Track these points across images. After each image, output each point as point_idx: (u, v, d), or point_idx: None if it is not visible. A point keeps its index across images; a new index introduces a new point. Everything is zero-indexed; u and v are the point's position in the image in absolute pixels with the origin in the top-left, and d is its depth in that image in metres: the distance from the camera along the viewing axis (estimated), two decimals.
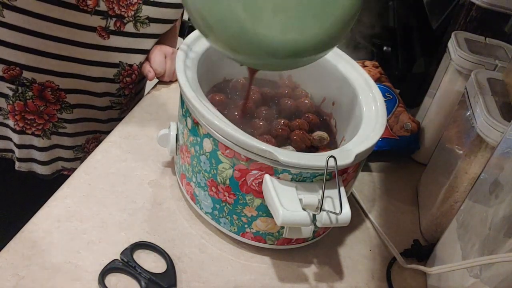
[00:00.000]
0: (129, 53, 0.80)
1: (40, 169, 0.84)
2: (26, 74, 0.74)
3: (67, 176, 0.65)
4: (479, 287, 0.49)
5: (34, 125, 0.79)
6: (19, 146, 0.81)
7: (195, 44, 0.64)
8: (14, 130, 0.79)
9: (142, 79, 0.89)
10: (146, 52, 0.82)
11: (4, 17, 0.68)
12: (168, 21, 0.81)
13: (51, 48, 0.72)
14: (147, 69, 0.83)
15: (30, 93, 0.76)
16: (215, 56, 0.66)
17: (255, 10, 0.46)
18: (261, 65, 0.57)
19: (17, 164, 0.83)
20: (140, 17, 0.76)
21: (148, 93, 0.84)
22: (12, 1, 0.67)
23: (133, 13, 0.75)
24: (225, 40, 0.50)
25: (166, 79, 0.85)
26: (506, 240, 0.45)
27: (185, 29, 1.00)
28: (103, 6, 0.72)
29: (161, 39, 0.84)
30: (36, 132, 0.80)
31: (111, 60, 0.78)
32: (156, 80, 0.87)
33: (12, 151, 0.82)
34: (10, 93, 0.75)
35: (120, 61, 0.79)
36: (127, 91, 0.85)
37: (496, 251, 0.46)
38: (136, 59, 0.81)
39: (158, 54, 0.83)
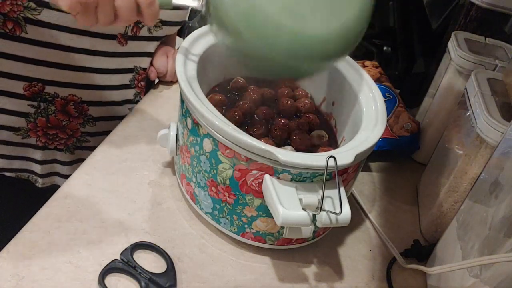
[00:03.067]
0: (142, 57, 0.80)
1: (63, 182, 0.83)
2: (49, 89, 0.73)
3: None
4: (479, 287, 0.49)
5: (57, 139, 0.79)
6: (42, 162, 0.80)
7: (195, 44, 0.64)
8: (36, 147, 0.78)
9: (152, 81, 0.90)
10: None
11: (27, 33, 0.67)
12: (178, 23, 0.81)
13: (74, 60, 0.72)
14: (150, 68, 0.83)
15: (53, 108, 0.75)
16: (215, 56, 0.66)
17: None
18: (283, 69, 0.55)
19: (40, 181, 0.82)
20: None
21: (148, 93, 0.84)
22: (36, 15, 0.66)
23: None
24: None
25: (168, 79, 0.85)
26: (506, 240, 0.45)
27: (185, 29, 1.00)
28: None
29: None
30: (58, 147, 0.80)
31: (127, 65, 0.78)
32: (156, 80, 0.87)
33: (29, 171, 0.81)
34: (32, 110, 0.74)
35: (134, 66, 0.79)
36: (142, 95, 0.85)
37: (496, 251, 0.46)
38: (148, 62, 0.81)
39: (160, 54, 0.83)
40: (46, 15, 0.66)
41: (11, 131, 0.76)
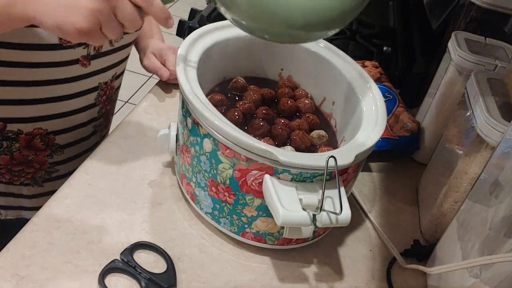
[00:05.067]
0: (105, 72, 0.76)
1: (31, 215, 0.73)
2: (11, 127, 0.69)
3: None
4: (479, 287, 0.49)
5: (23, 175, 0.74)
6: (5, 194, 0.76)
7: (195, 44, 0.64)
8: None
9: (115, 95, 0.85)
10: (120, 63, 0.79)
11: None
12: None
13: (36, 94, 0.68)
14: (163, 69, 0.81)
15: (17, 145, 0.71)
16: (215, 56, 0.66)
17: None
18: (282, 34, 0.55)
19: (3, 213, 0.77)
20: None
21: (148, 93, 0.84)
22: None
23: None
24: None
25: None
26: (506, 240, 0.45)
27: (185, 29, 1.00)
28: None
29: (147, 36, 0.83)
30: (25, 182, 0.76)
31: (91, 85, 0.75)
32: (155, 81, 0.87)
33: None
34: None
35: (99, 83, 0.76)
36: (104, 110, 0.81)
37: (496, 251, 0.46)
38: (110, 74, 0.78)
39: (173, 56, 0.81)
40: (2, 54, 0.63)
41: None
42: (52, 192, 0.70)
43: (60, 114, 0.73)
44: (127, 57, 0.81)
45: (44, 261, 0.54)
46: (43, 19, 0.51)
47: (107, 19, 0.50)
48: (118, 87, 0.85)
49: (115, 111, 0.88)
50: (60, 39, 0.65)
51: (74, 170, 0.71)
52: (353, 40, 1.09)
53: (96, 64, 0.73)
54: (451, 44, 0.76)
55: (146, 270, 0.55)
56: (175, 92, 0.85)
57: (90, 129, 0.80)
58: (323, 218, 0.52)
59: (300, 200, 0.52)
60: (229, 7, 0.52)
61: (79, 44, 0.68)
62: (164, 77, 0.82)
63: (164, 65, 0.83)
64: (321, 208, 0.51)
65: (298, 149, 0.62)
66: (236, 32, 0.69)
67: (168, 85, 0.86)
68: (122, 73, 0.83)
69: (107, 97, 0.80)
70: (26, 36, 0.62)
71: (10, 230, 0.58)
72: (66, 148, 0.77)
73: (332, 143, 0.67)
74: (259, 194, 0.55)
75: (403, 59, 1.03)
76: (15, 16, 0.53)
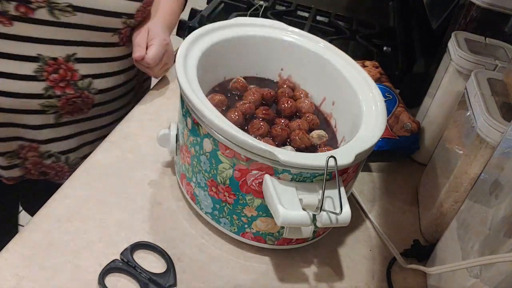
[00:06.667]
0: (49, 44, 0.71)
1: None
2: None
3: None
4: (479, 287, 0.49)
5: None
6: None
7: (195, 44, 0.64)
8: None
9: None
10: (75, 43, 0.73)
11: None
12: (108, 13, 0.72)
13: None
14: (141, 48, 0.76)
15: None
16: (215, 56, 0.66)
17: None
18: None
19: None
20: (58, 3, 0.68)
21: (148, 93, 0.84)
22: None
23: None
24: None
25: (152, 75, 0.81)
26: (506, 240, 0.45)
27: (185, 29, 1.00)
28: None
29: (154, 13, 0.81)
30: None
31: (24, 52, 0.70)
32: (156, 80, 0.87)
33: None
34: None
35: (38, 54, 0.71)
36: (60, 91, 0.75)
37: (496, 251, 0.46)
38: (61, 51, 0.72)
39: (158, 49, 0.76)
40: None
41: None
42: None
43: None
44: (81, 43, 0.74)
45: (44, 261, 0.54)
46: None
47: None
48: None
49: (116, 110, 0.88)
50: None
51: (9, 137, 0.78)
52: (353, 40, 1.09)
53: (25, 29, 0.69)
54: (451, 44, 0.76)
55: (146, 270, 0.55)
56: (175, 92, 0.85)
57: (33, 105, 0.75)
58: (323, 218, 0.52)
59: (300, 200, 0.52)
60: None
61: None
62: (135, 56, 0.75)
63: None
64: (321, 208, 0.51)
65: (298, 149, 0.62)
66: (236, 32, 0.69)
67: (168, 85, 0.86)
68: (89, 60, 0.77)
69: (61, 77, 0.74)
70: None
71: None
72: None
73: (332, 143, 0.67)
74: (259, 194, 0.55)
75: (403, 59, 1.03)
76: None
